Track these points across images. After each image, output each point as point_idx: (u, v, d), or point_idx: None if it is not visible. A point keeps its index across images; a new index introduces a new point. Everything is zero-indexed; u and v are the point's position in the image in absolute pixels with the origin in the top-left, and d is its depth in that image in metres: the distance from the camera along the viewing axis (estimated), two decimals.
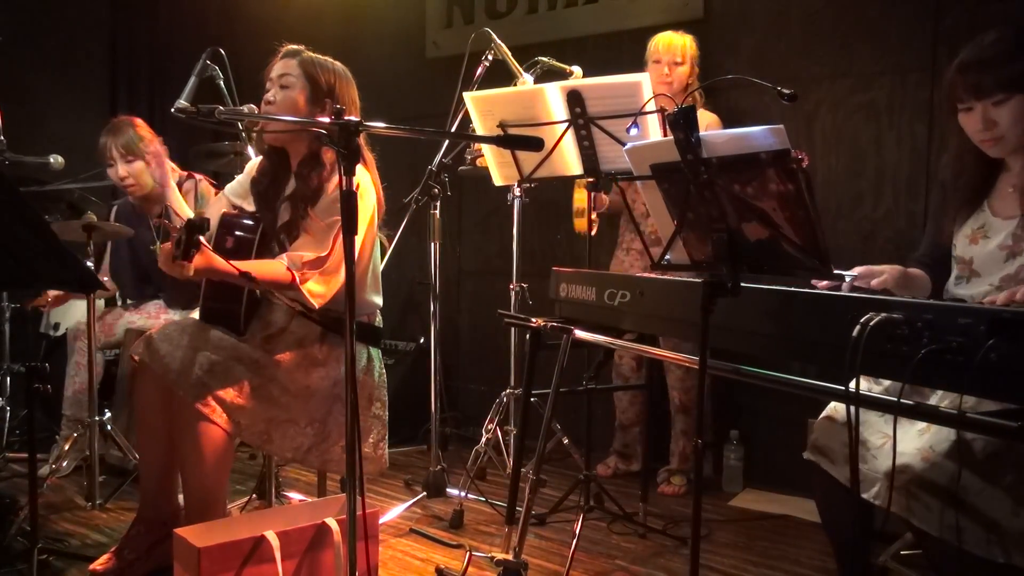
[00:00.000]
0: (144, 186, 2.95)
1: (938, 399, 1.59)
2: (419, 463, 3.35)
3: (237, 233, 2.20)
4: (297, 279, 2.00)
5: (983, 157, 1.80)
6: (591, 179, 2.57)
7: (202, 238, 1.79)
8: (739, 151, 1.37)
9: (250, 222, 2.23)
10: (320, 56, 2.20)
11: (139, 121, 2.99)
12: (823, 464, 1.71)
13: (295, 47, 2.19)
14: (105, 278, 3.15)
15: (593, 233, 2.70)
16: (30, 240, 1.95)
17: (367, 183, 2.13)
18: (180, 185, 2.95)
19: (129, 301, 3.23)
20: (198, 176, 3.02)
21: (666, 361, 2.95)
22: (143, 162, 2.92)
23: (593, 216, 2.70)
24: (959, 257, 1.82)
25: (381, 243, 2.31)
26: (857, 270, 1.72)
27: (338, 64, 2.22)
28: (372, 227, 2.18)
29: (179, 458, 2.04)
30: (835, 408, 1.74)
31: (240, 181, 2.35)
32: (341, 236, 1.69)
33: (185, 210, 2.30)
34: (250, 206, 2.29)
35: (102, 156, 2.95)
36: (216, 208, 2.33)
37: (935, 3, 2.75)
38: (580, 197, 2.86)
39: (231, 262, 1.89)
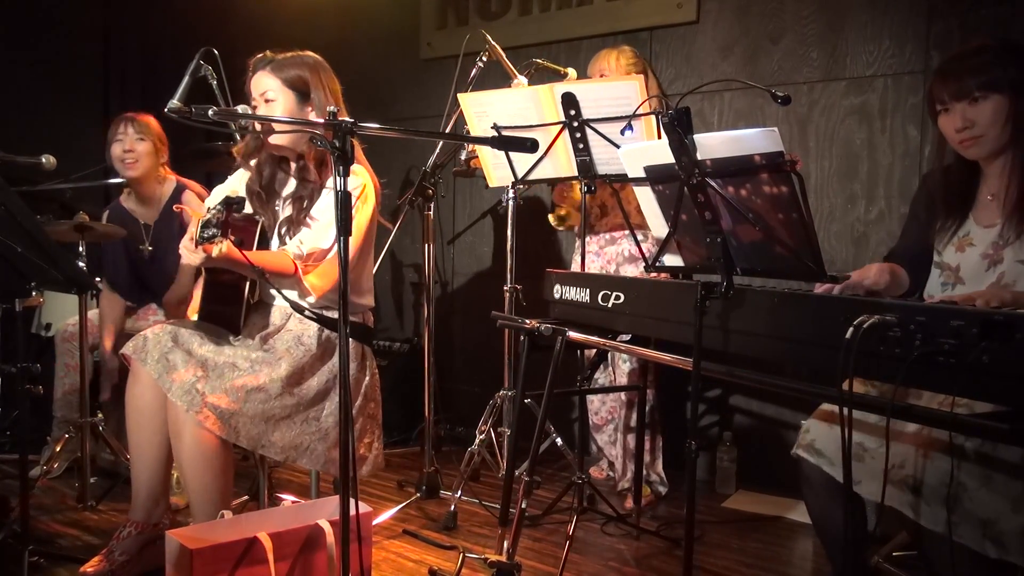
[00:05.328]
0: (141, 167, 2.96)
1: (927, 399, 1.60)
2: (412, 464, 3.34)
3: (239, 227, 2.21)
4: (300, 270, 2.06)
5: (965, 164, 1.81)
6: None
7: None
8: (733, 153, 1.37)
9: (248, 221, 2.23)
10: (287, 54, 2.18)
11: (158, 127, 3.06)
12: (820, 463, 1.71)
13: (260, 56, 2.17)
14: (97, 278, 3.13)
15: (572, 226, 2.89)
16: (22, 240, 1.94)
17: (369, 186, 2.17)
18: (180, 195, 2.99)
19: (129, 304, 3.21)
20: (188, 190, 3.03)
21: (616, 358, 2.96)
22: (153, 146, 2.96)
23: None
24: (945, 264, 1.82)
25: (383, 225, 2.31)
26: (852, 275, 1.72)
27: (307, 55, 2.20)
28: (371, 230, 2.21)
29: (178, 464, 2.04)
30: (831, 408, 1.74)
31: (227, 187, 2.33)
32: None
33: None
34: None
35: (112, 133, 2.98)
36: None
37: (927, 6, 2.77)
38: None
39: (243, 251, 1.92)
